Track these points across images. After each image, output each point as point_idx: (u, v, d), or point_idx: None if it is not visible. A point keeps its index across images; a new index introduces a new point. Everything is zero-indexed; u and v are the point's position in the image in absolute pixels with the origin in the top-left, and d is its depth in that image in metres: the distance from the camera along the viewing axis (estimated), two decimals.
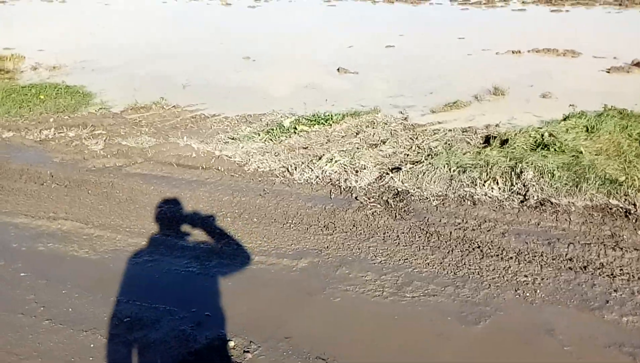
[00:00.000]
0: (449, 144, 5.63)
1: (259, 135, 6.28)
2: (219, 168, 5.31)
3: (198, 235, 4.04)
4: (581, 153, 5.04)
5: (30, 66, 10.03)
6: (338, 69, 9.61)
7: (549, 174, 4.59)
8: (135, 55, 11.44)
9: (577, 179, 4.49)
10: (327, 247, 3.83)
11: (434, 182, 4.68)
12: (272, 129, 6.33)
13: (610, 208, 4.17)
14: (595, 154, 5.05)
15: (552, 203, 4.24)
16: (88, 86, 8.45)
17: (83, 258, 3.75)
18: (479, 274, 3.49)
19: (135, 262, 3.70)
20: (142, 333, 3.00)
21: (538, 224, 4.00)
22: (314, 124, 6.43)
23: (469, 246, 3.79)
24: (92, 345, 2.92)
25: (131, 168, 5.30)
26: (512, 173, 4.73)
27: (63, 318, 3.12)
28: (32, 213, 4.35)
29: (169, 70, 9.91)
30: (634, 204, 4.18)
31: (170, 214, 4.37)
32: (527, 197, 4.36)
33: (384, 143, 5.78)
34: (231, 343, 2.93)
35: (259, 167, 5.31)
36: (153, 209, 4.44)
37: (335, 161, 5.21)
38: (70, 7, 22.21)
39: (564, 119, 6.05)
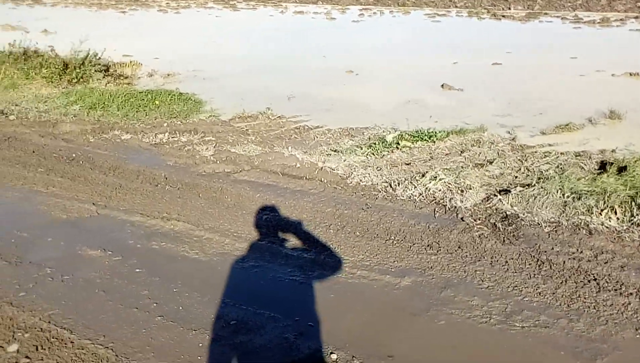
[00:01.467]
0: (561, 168, 5.35)
1: (361, 149, 6.28)
2: (322, 180, 5.36)
3: (301, 245, 4.10)
4: None
5: (147, 72, 10.71)
6: (442, 85, 9.45)
7: None
8: (242, 66, 11.90)
9: None
10: (431, 267, 3.75)
11: (546, 207, 4.45)
12: (375, 144, 6.32)
13: None
14: None
15: None
16: (199, 94, 8.87)
17: (193, 259, 3.91)
18: (595, 308, 3.27)
19: (242, 266, 3.81)
20: (247, 337, 3.07)
21: None
22: (417, 141, 6.35)
23: (584, 278, 3.56)
24: (200, 345, 3.02)
25: (239, 174, 5.49)
26: (632, 202, 4.41)
27: (174, 315, 3.26)
28: (147, 212, 4.61)
29: (274, 81, 10.21)
30: None
31: (275, 222, 4.47)
32: None
33: (490, 163, 5.60)
34: (333, 356, 2.92)
35: (361, 181, 5.31)
36: (259, 216, 4.56)
37: (440, 179, 5.10)
38: (184, 18, 23.56)
39: None
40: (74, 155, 5.88)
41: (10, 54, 10.41)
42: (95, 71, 9.39)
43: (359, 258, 3.91)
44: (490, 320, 3.19)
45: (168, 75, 10.53)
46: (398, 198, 4.86)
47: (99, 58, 9.80)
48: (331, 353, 2.94)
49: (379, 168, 5.57)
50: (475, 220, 4.37)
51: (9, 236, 4.13)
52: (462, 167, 5.49)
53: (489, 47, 14.00)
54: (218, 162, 5.82)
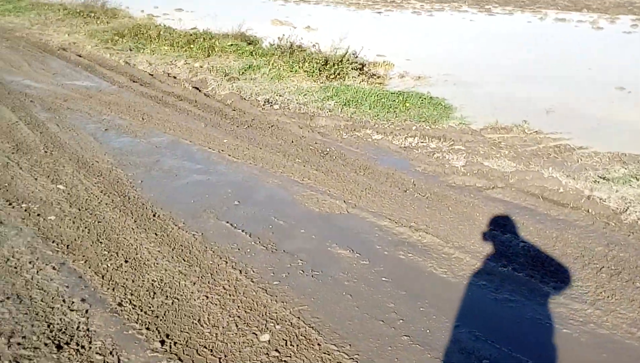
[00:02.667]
0: None
1: (638, 180, 5.34)
2: (590, 211, 4.67)
3: (566, 287, 3.55)
4: None
5: (398, 73, 10.78)
6: None
7: None
8: (496, 72, 11.29)
9: None
10: None
11: None
12: None
13: None
14: None
15: None
16: (449, 99, 8.59)
17: (441, 278, 3.65)
18: None
19: (495, 298, 3.43)
20: None
21: None
22: None
23: None
24: None
25: (492, 191, 5.08)
26: None
27: (421, 338, 3.05)
28: (395, 219, 4.48)
29: (529, 92, 9.45)
30: None
31: (534, 252, 3.98)
32: None
33: None
34: None
35: (639, 220, 4.48)
36: (515, 242, 4.11)
37: None
38: (437, 20, 23.50)
39: None
40: (328, 149, 6.08)
41: (278, 47, 11.39)
42: (352, 68, 9.72)
43: (635, 313, 3.23)
44: None
45: (419, 77, 10.45)
46: None
47: (356, 56, 10.14)
48: None
49: None
50: None
51: (267, 222, 4.36)
52: None
53: None
54: (469, 174, 5.47)
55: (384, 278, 3.65)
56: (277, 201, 4.78)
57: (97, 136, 6.11)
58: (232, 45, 11.31)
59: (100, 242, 3.86)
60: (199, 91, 8.53)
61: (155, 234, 4.03)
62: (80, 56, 10.73)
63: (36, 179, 4.86)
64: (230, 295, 3.35)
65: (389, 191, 5.05)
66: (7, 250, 3.68)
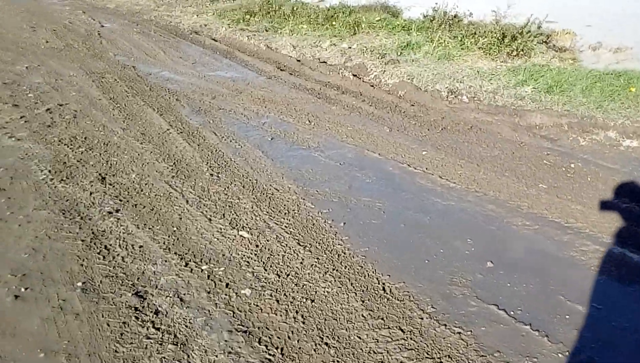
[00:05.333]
0: None
1: None
2: None
3: None
4: None
5: (588, 45, 8.74)
6: None
7: None
8: None
9: None
10: None
11: None
12: None
13: None
14: None
15: None
16: None
17: None
18: None
19: None
20: None
21: None
22: None
23: None
24: None
25: None
26: None
27: None
28: None
29: None
30: None
31: None
32: None
33: None
34: None
35: None
36: None
37: None
38: None
39: None
40: (570, 166, 4.47)
41: (433, 19, 9.73)
42: (538, 42, 7.88)
43: None
44: None
45: (618, 49, 8.38)
46: None
47: (539, 27, 8.26)
48: None
49: None
50: None
51: (558, 306, 2.90)
52: None
53: None
54: None
55: None
56: (549, 261, 3.30)
57: (264, 149, 4.92)
58: (379, 20, 9.79)
59: (327, 344, 2.60)
60: (360, 79, 7.14)
61: (401, 330, 2.71)
62: (215, 40, 9.72)
63: (210, 220, 3.72)
64: None
65: None
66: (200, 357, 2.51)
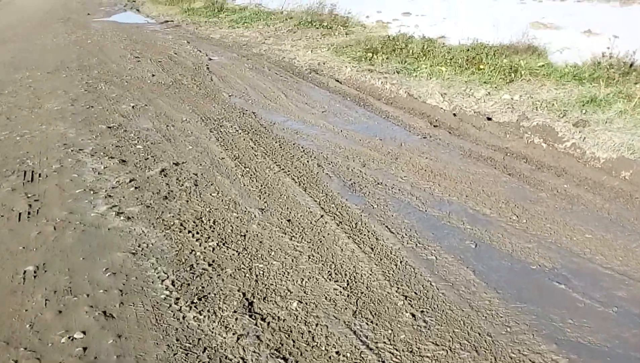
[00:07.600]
0: None
1: None
2: None
3: None
4: None
5: None
6: None
7: None
8: None
9: None
10: None
11: None
12: None
13: None
14: None
15: None
16: None
17: None
18: None
19: None
20: None
21: None
22: None
23: None
24: None
25: None
26: None
27: None
28: None
29: None
30: None
31: None
32: None
33: None
34: None
35: None
36: None
37: None
38: None
39: None
40: None
41: (598, 65, 7.98)
42: None
43: None
44: None
45: None
46: None
47: None
48: None
49: None
50: None
51: None
52: None
53: None
54: None
55: None
56: None
57: (474, 267, 3.31)
58: (542, 65, 8.07)
59: None
60: (552, 147, 5.45)
61: None
62: (339, 82, 8.32)
63: None
64: None
65: None
66: None
